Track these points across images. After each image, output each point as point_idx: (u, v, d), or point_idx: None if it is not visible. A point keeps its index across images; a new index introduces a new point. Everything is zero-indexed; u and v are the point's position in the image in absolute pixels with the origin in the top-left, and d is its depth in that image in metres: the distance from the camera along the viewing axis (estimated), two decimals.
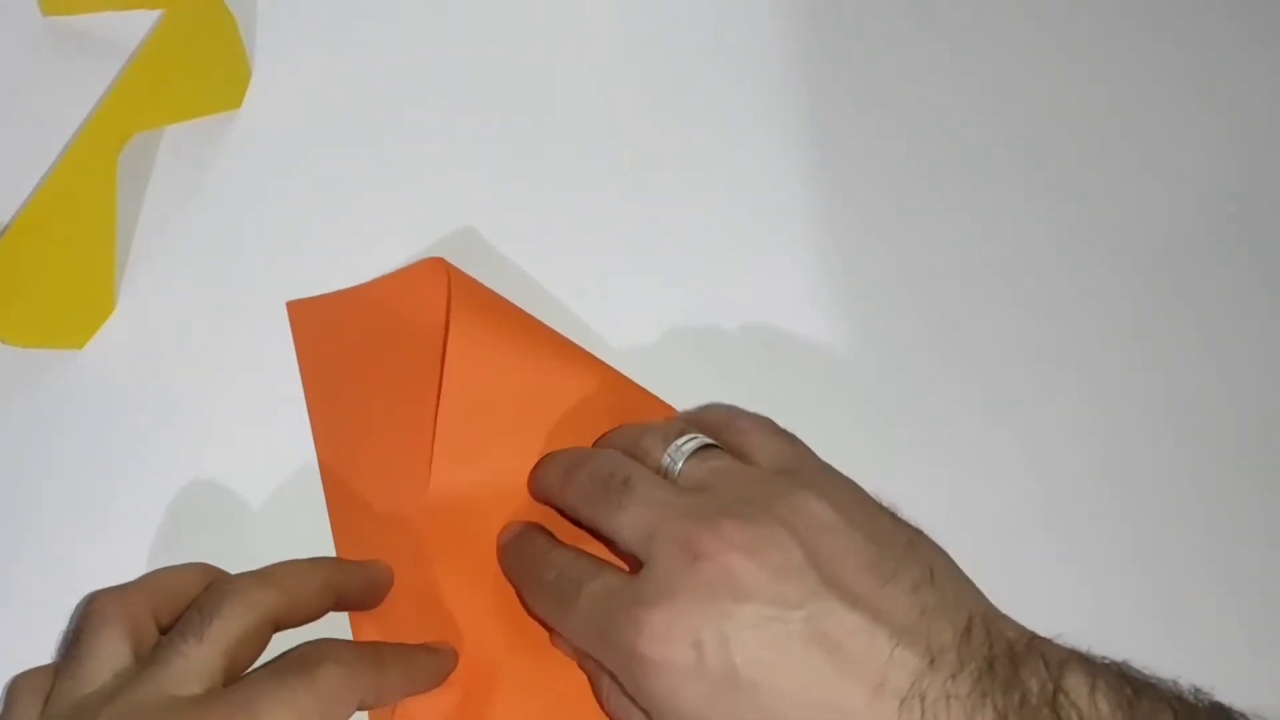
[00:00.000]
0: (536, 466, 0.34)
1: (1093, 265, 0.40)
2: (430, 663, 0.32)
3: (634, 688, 0.28)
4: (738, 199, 0.41)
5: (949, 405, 0.38)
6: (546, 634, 0.33)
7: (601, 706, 0.31)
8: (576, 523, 0.33)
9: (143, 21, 0.42)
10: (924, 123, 0.43)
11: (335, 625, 0.32)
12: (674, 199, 0.41)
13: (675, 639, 0.27)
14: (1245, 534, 0.36)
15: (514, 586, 0.33)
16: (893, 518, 0.30)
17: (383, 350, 0.38)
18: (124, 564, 0.33)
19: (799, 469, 0.31)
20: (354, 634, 0.33)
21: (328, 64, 0.44)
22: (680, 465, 0.31)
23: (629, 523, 0.29)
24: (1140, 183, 0.42)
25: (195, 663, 0.28)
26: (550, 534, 0.33)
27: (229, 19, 0.42)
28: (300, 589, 0.30)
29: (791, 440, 0.32)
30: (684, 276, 0.40)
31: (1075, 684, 0.25)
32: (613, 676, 0.30)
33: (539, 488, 0.34)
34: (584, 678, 0.32)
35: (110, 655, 0.28)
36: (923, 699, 0.25)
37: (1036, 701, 0.25)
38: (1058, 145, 0.43)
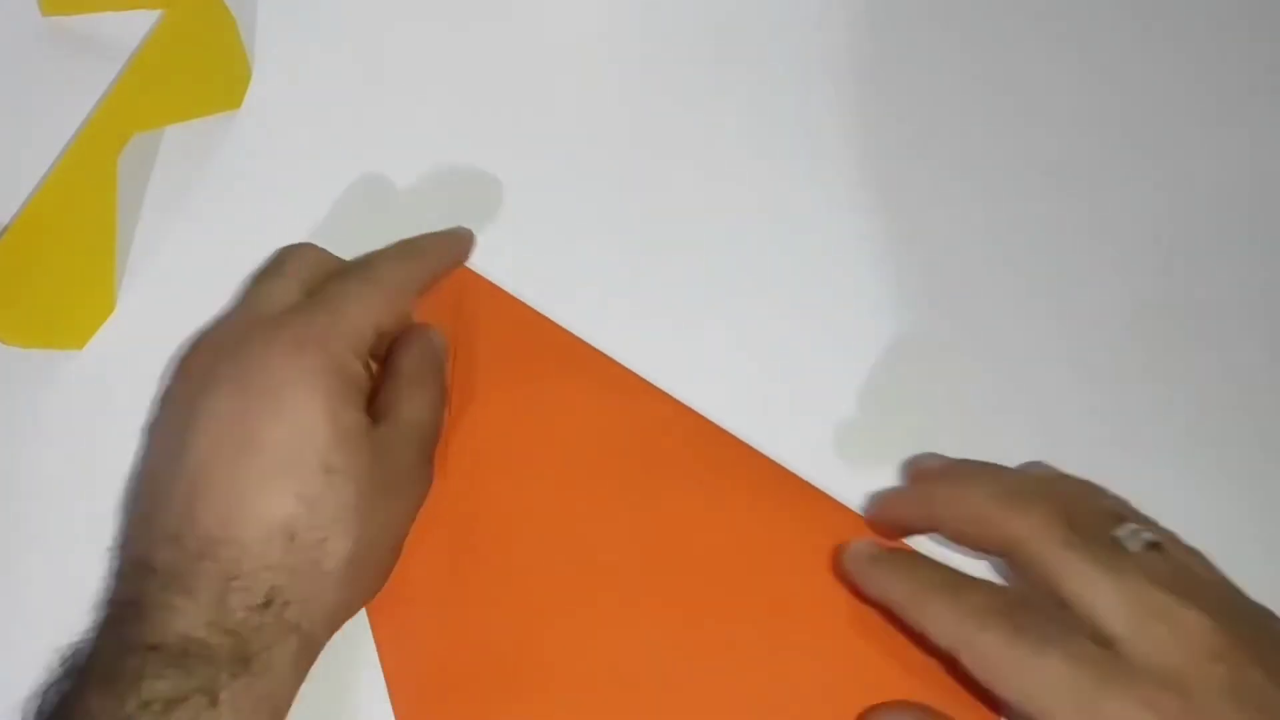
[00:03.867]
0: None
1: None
2: (456, 238, 0.38)
3: None
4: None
5: (965, 404, 0.38)
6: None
7: None
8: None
9: (143, 21, 0.42)
10: (932, 120, 0.43)
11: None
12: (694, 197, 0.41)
13: None
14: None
15: (898, 605, 0.30)
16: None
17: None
18: None
19: (1227, 580, 0.30)
20: (374, 633, 0.33)
21: (328, 64, 0.44)
22: (1140, 552, 0.29)
23: (1117, 589, 0.27)
24: (1144, 181, 0.42)
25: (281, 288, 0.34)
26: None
27: (229, 19, 0.42)
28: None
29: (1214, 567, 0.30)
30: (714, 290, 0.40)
31: None
32: None
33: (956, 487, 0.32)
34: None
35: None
36: None
37: None
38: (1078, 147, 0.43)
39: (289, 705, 0.30)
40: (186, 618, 0.28)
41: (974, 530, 0.30)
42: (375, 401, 0.33)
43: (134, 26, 0.42)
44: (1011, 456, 0.35)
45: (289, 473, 0.29)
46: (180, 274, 0.39)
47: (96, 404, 0.37)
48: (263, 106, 0.43)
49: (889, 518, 0.34)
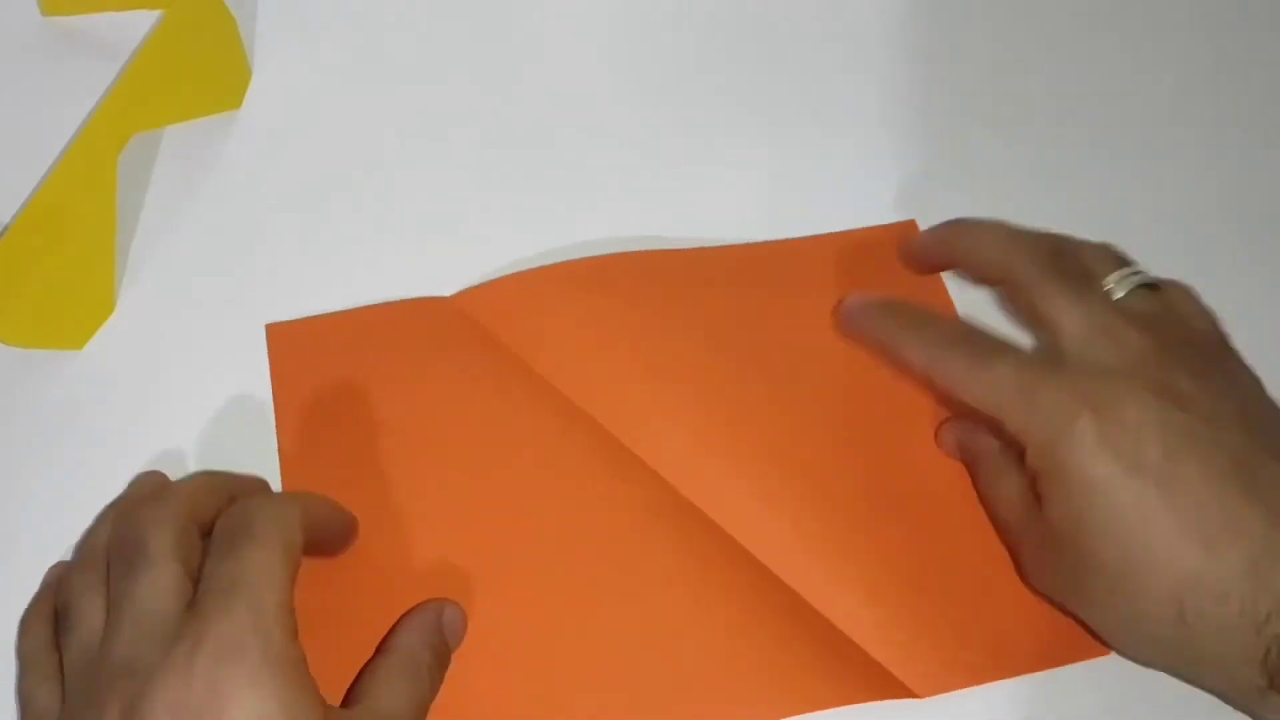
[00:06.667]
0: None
1: None
2: (336, 511, 0.32)
3: (1045, 448, 0.30)
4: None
5: None
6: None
7: (977, 489, 0.34)
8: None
9: (143, 21, 0.42)
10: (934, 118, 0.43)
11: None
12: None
13: (1111, 413, 0.29)
14: None
15: (882, 342, 0.35)
16: None
17: (369, 381, 0.36)
18: None
19: (1225, 345, 0.33)
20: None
21: (328, 64, 0.44)
22: (1126, 294, 0.32)
23: (1079, 311, 0.31)
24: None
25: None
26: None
27: (229, 19, 0.42)
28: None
29: (1217, 320, 0.33)
30: None
31: None
32: (1009, 442, 0.31)
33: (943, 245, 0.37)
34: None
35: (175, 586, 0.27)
36: None
37: None
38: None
39: None
40: None
41: (978, 262, 0.35)
42: (357, 679, 0.30)
43: (134, 26, 0.42)
44: None
45: None
46: (180, 274, 0.39)
47: (96, 404, 0.37)
48: (263, 106, 0.43)
49: (917, 255, 0.38)
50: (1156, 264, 0.34)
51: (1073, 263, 0.33)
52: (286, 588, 0.27)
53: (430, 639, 0.31)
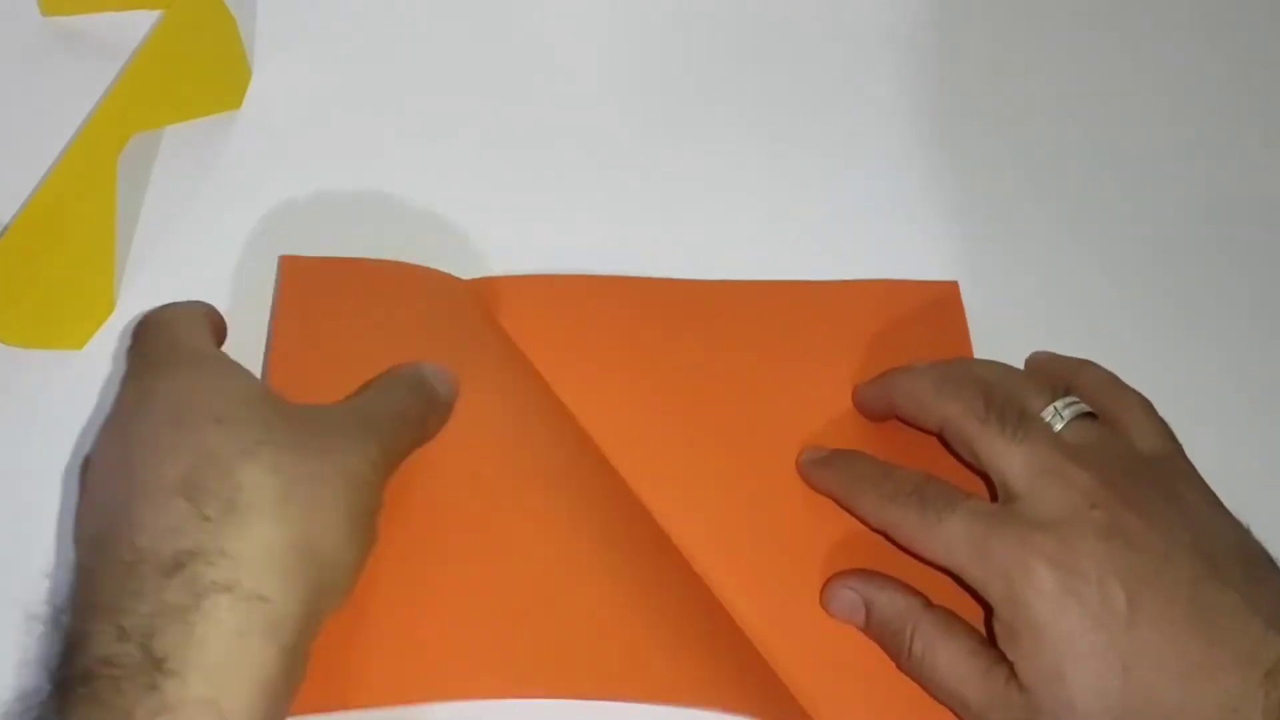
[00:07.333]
0: (895, 383, 0.35)
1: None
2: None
3: (1008, 602, 0.29)
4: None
5: None
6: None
7: (905, 662, 0.32)
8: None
9: (143, 21, 0.42)
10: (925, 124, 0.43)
11: None
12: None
13: (1068, 564, 0.28)
14: None
15: (839, 498, 0.35)
16: (1249, 532, 0.31)
17: (371, 336, 0.36)
18: None
19: (1174, 463, 0.32)
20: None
21: (328, 64, 0.44)
22: (1065, 425, 0.32)
23: (1021, 454, 0.31)
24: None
25: None
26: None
27: (229, 19, 0.42)
28: None
29: (1168, 431, 0.33)
30: None
31: None
32: (974, 596, 0.30)
33: (896, 396, 0.35)
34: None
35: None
36: None
37: None
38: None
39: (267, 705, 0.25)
40: (98, 638, 0.24)
41: (915, 414, 0.35)
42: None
43: (134, 26, 0.42)
44: None
45: (178, 432, 0.27)
46: (180, 274, 0.39)
47: (96, 404, 0.37)
48: (263, 106, 0.43)
49: (861, 407, 0.37)
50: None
51: (1007, 401, 0.32)
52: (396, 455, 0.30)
53: (420, 382, 0.33)
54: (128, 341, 0.32)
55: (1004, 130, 0.43)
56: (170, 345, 0.30)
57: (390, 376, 0.33)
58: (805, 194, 0.42)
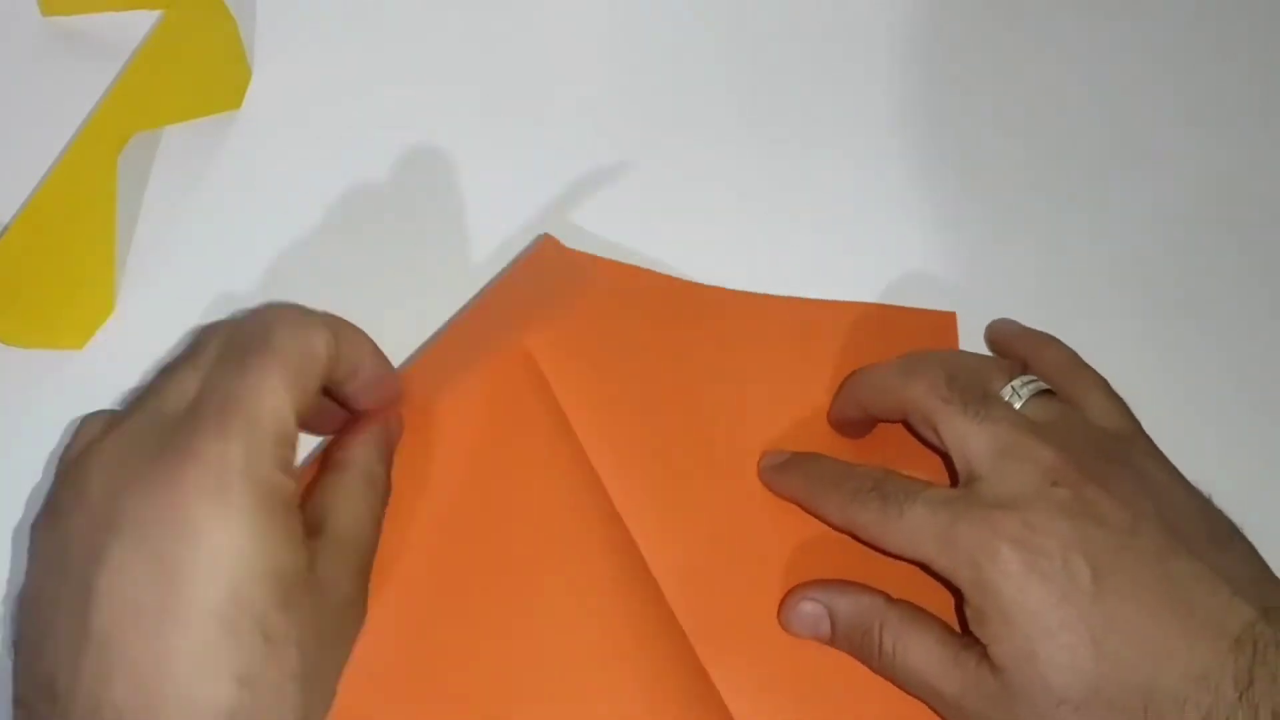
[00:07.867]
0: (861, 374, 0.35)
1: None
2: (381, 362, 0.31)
3: (976, 586, 0.29)
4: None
5: None
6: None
7: (874, 660, 0.32)
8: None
9: (143, 21, 0.42)
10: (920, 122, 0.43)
11: None
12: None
13: (1032, 543, 0.28)
14: None
15: (801, 501, 0.34)
16: (1210, 500, 0.31)
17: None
18: None
19: (1134, 438, 0.32)
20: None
21: (328, 64, 0.44)
22: (1023, 403, 0.32)
23: (983, 434, 0.31)
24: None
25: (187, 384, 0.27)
26: None
27: (229, 19, 0.42)
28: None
29: (1126, 408, 0.33)
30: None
31: None
32: (945, 584, 0.30)
33: (864, 391, 0.35)
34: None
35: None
36: (1255, 644, 0.27)
37: None
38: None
39: None
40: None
41: (881, 407, 0.34)
42: (308, 495, 0.29)
43: (134, 26, 0.42)
44: None
45: (223, 648, 0.24)
46: (180, 274, 0.39)
47: (96, 404, 0.36)
48: (263, 106, 0.43)
49: (835, 423, 0.37)
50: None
51: (970, 381, 0.32)
52: (290, 417, 0.26)
53: (383, 452, 0.31)
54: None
55: (1004, 130, 0.43)
56: (234, 475, 0.25)
57: (360, 474, 0.30)
58: (805, 194, 0.42)
